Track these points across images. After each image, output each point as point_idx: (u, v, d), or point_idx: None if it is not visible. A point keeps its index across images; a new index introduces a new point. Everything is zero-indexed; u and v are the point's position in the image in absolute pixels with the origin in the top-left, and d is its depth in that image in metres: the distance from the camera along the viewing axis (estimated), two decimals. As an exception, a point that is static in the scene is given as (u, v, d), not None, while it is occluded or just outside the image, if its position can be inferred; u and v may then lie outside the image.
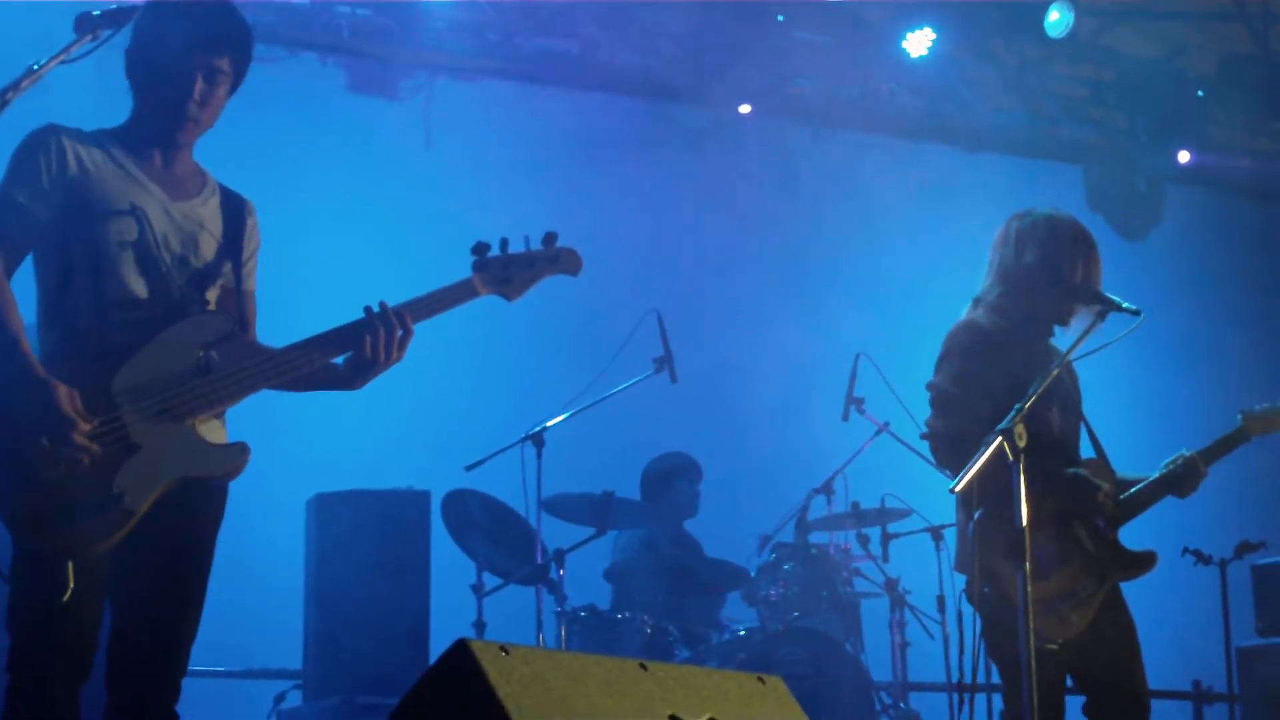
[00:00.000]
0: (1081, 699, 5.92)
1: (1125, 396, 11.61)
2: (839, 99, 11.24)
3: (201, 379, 4.54)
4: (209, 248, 4.73)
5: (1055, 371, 5.49)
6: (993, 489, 5.20)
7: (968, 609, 5.61)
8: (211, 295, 4.72)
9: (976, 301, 6.07)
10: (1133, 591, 5.99)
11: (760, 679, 4.40)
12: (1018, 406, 5.29)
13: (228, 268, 4.77)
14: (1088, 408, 6.16)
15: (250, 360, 4.66)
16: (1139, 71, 11.38)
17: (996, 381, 5.62)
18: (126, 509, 4.35)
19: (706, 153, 11.26)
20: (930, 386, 5.89)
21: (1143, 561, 5.89)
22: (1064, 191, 11.73)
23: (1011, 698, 5.69)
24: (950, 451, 5.72)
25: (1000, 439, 5.08)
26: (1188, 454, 6.06)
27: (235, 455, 4.56)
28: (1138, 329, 5.59)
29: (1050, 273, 5.93)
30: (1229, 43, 11.18)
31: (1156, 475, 6.04)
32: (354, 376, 4.78)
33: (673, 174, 11.16)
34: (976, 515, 5.34)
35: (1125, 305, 5.70)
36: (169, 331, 4.52)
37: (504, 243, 4.78)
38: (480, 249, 4.75)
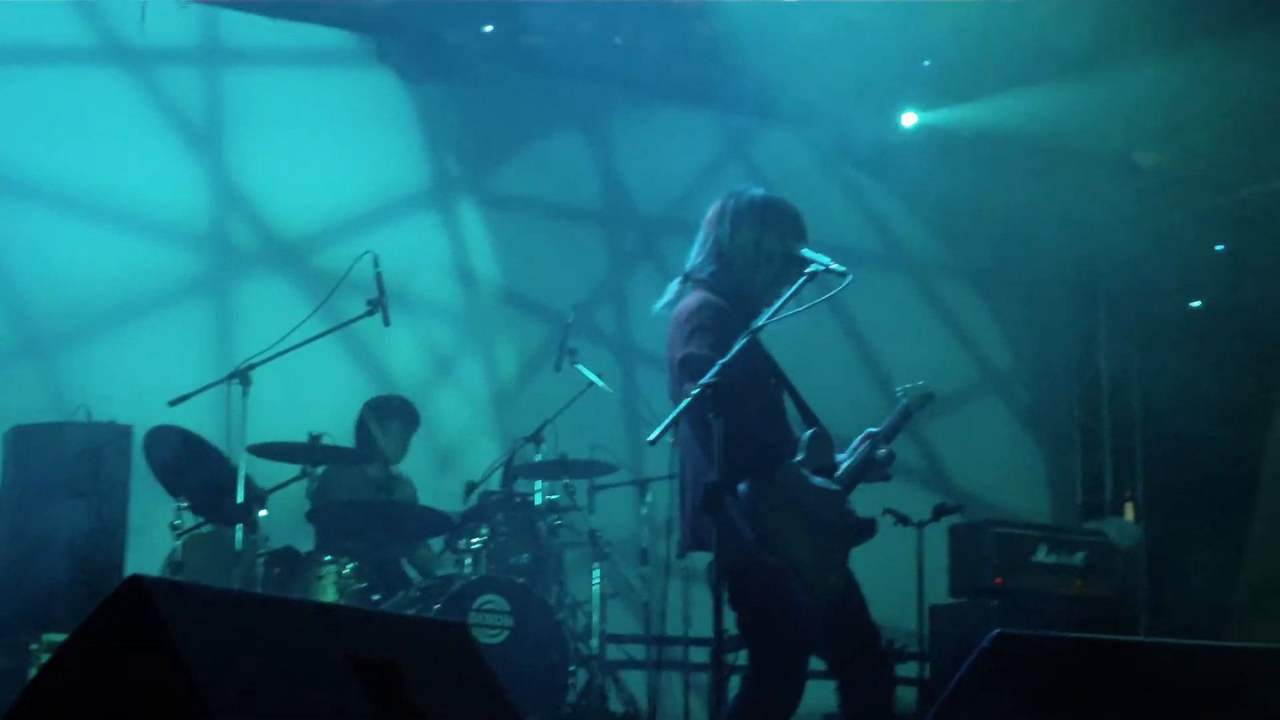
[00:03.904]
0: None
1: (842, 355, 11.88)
2: (570, 47, 11.15)
3: None
4: None
5: (759, 327, 5.59)
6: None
7: (658, 561, 5.64)
8: None
9: (687, 277, 6.09)
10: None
11: (445, 624, 4.40)
12: (720, 362, 5.38)
13: None
14: (802, 373, 6.21)
15: None
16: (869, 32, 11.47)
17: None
18: None
19: (432, 96, 11.11)
20: (687, 356, 5.85)
21: (868, 527, 5.96)
22: (792, 152, 11.87)
23: (763, 656, 5.73)
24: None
25: (701, 391, 5.17)
26: (875, 431, 6.11)
27: None
28: (844, 289, 5.69)
29: (761, 252, 6.00)
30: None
31: (855, 460, 6.05)
32: None
33: (395, 117, 11.01)
34: (743, 487, 5.42)
35: (834, 267, 5.79)
36: None
37: None
38: None
